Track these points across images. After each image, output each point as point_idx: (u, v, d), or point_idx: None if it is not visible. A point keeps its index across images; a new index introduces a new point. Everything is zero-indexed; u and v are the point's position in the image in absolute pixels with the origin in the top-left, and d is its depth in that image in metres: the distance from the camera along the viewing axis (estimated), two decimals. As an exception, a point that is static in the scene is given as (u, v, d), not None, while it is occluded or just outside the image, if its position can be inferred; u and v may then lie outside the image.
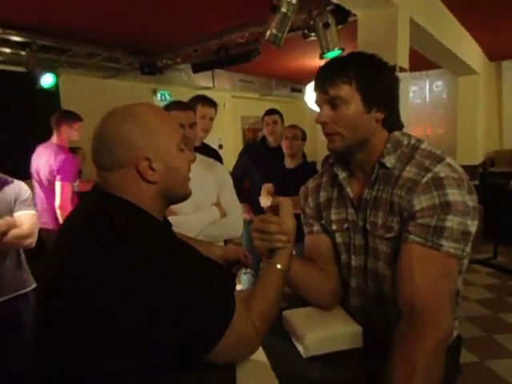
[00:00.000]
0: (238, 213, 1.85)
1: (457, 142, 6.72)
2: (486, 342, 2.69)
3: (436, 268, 0.83)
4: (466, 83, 6.42)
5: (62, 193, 2.68)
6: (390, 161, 0.93)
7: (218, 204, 1.81)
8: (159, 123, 0.80)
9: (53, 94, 4.85)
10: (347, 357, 0.92)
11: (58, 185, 2.72)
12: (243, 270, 2.65)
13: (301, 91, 7.80)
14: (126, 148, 0.75)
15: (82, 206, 0.86)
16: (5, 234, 1.69)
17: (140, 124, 0.77)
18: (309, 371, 0.88)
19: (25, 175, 1.92)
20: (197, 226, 1.71)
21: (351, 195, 1.00)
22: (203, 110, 2.16)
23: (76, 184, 4.45)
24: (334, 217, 1.04)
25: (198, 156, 1.88)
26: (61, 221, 2.64)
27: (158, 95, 6.54)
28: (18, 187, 1.82)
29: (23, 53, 4.21)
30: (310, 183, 1.15)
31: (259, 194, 2.54)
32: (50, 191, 2.92)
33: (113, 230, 0.71)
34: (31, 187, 1.89)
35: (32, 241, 1.80)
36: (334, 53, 3.43)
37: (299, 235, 0.97)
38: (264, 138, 2.95)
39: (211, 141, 2.26)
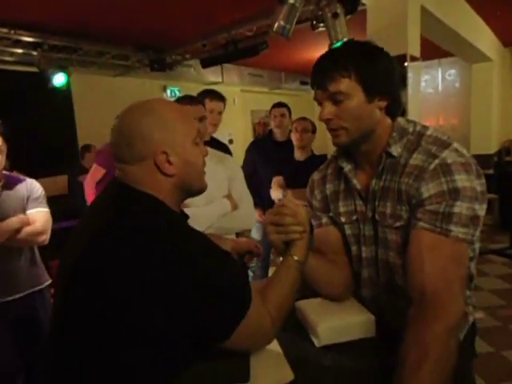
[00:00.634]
0: (249, 205, 1.86)
1: (470, 131, 6.60)
2: (502, 332, 2.66)
3: (445, 254, 0.81)
4: (479, 71, 6.29)
5: None
6: (396, 150, 0.91)
7: (229, 196, 1.82)
8: (176, 119, 0.83)
9: (65, 92, 4.92)
10: (360, 346, 0.92)
11: None
12: (254, 261, 2.67)
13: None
14: (145, 142, 0.78)
15: (102, 198, 0.88)
16: (18, 231, 1.71)
17: (158, 119, 0.80)
18: (322, 360, 0.88)
19: (38, 174, 1.93)
20: (208, 218, 1.73)
21: (358, 186, 0.99)
22: (211, 105, 2.16)
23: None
24: (342, 209, 1.03)
25: (209, 149, 1.89)
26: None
27: (168, 91, 6.58)
28: (31, 185, 1.84)
29: (35, 53, 4.27)
30: (315, 175, 1.13)
31: (268, 188, 2.54)
32: None
33: (131, 222, 0.73)
34: (44, 185, 1.91)
35: (45, 238, 1.82)
36: (344, 43, 3.39)
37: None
38: (271, 131, 2.94)
39: (221, 136, 2.26)
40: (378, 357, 0.88)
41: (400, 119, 0.96)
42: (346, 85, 0.87)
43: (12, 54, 4.27)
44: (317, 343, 0.93)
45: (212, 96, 2.21)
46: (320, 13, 3.46)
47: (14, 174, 1.91)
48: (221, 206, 1.77)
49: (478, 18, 5.12)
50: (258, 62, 6.04)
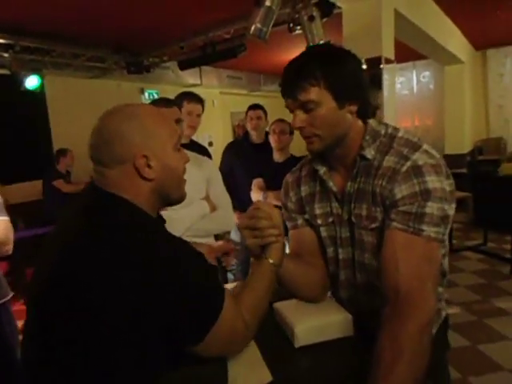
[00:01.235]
0: (227, 207, 1.85)
1: (445, 131, 6.79)
2: (478, 326, 2.74)
3: (418, 253, 0.84)
4: (452, 72, 6.49)
5: None
6: (370, 152, 0.93)
7: (207, 198, 1.82)
8: (157, 123, 0.83)
9: (38, 95, 4.79)
10: (339, 345, 0.93)
11: None
12: (234, 262, 2.65)
13: (289, 86, 7.80)
14: (125, 145, 0.78)
15: (77, 203, 0.86)
16: None
17: (139, 123, 0.80)
18: (300, 361, 0.89)
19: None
20: (187, 220, 1.71)
21: (334, 189, 0.99)
22: (189, 107, 2.15)
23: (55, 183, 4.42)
24: (318, 211, 1.04)
25: (186, 152, 1.87)
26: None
27: (146, 94, 6.50)
28: None
29: (6, 55, 4.14)
30: (289, 177, 1.14)
31: (245, 190, 2.54)
32: None
33: (108, 226, 0.73)
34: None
35: (8, 248, 1.70)
36: (320, 46, 3.44)
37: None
38: (247, 133, 2.93)
39: (201, 138, 2.26)
40: (357, 356, 0.89)
41: (371, 121, 0.97)
42: (315, 93, 0.87)
43: (-18, 56, 4.14)
44: (295, 344, 0.93)
45: (190, 98, 2.19)
46: (297, 16, 3.51)
47: None
48: (199, 208, 1.76)
49: (450, 22, 5.28)
50: (237, 64, 6.04)
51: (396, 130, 0.96)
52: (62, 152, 4.64)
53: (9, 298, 1.81)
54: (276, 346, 0.94)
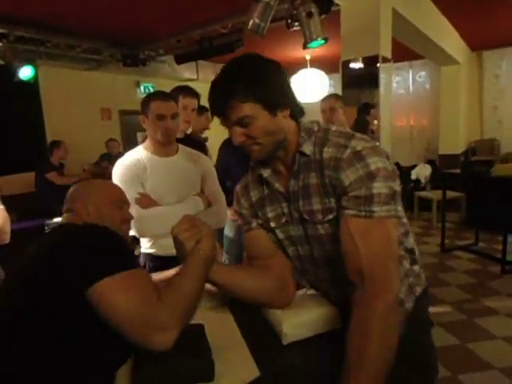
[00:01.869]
0: (222, 203, 1.85)
1: (439, 132, 6.82)
2: (468, 325, 2.76)
3: (375, 235, 0.86)
4: (448, 73, 6.51)
5: None
6: (308, 148, 0.96)
7: (201, 194, 1.81)
8: (106, 195, 1.16)
9: (32, 86, 4.74)
10: (327, 339, 0.94)
11: None
12: (224, 255, 2.64)
13: (286, 82, 7.78)
14: (82, 201, 1.12)
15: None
16: None
17: (91, 189, 1.16)
18: (289, 356, 0.89)
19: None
20: (180, 215, 1.70)
21: (281, 189, 1.02)
22: (185, 101, 2.13)
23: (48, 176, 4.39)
24: (270, 214, 1.05)
25: (181, 147, 1.87)
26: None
27: (142, 88, 6.45)
28: None
29: (0, 44, 4.08)
30: (238, 186, 1.17)
31: None
32: None
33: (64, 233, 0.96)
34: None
35: (5, 236, 1.74)
36: (318, 42, 3.43)
37: None
38: None
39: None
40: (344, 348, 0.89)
41: (304, 121, 1.01)
42: (247, 108, 0.89)
43: (-26, 45, 4.08)
44: (283, 341, 0.93)
45: (185, 92, 2.17)
46: (295, 12, 3.49)
47: None
48: (193, 204, 1.75)
49: (447, 22, 5.29)
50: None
51: (328, 124, 1.01)
52: (56, 144, 4.59)
53: None
54: (264, 342, 0.95)
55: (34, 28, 4.19)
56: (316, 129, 0.99)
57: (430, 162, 6.74)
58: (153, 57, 5.47)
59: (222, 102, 0.90)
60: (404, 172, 5.74)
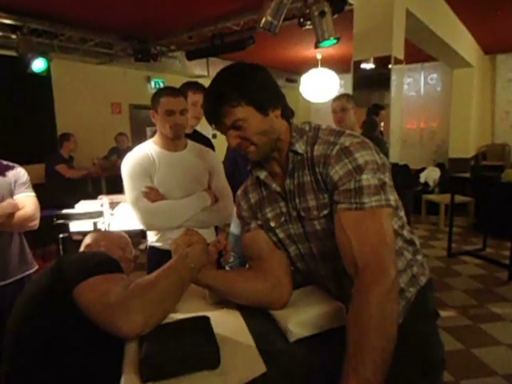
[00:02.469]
0: (229, 199, 1.85)
1: (449, 135, 6.76)
2: (472, 330, 2.74)
3: (367, 226, 0.87)
4: (460, 76, 6.44)
5: None
6: (300, 147, 0.99)
7: (208, 190, 1.82)
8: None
9: (44, 79, 4.78)
10: (333, 335, 0.93)
11: None
12: (233, 255, 2.66)
13: (296, 81, 7.77)
14: (95, 241, 1.35)
15: None
16: (11, 216, 1.72)
17: (103, 235, 1.41)
18: (296, 353, 0.89)
19: (14, 161, 1.92)
20: (187, 210, 1.72)
21: (278, 189, 1.04)
22: (194, 97, 2.14)
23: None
24: (269, 214, 1.07)
25: (190, 143, 1.87)
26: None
27: (152, 83, 6.48)
28: (17, 170, 1.86)
29: (14, 36, 4.13)
30: (239, 190, 1.20)
31: None
32: None
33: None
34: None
35: (36, 223, 1.84)
36: (330, 42, 3.41)
37: None
38: None
39: (205, 130, 2.24)
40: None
41: (295, 121, 1.04)
42: (239, 112, 0.92)
43: (-11, 36, 4.13)
44: (289, 339, 0.93)
45: (195, 88, 2.18)
46: (307, 11, 3.48)
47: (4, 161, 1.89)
48: (201, 199, 1.76)
49: (461, 25, 5.23)
50: (244, 57, 5.99)
51: (318, 124, 1.04)
52: (66, 137, 4.63)
53: (34, 269, 1.91)
54: (271, 338, 0.94)
55: (47, 21, 4.23)
56: (307, 128, 1.02)
57: (439, 165, 6.68)
58: (164, 52, 5.49)
59: (214, 109, 0.94)
60: (413, 175, 5.69)
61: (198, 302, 1.11)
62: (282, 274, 1.06)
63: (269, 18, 2.96)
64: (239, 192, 1.19)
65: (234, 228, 2.87)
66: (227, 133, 0.96)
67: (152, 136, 1.88)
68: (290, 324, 0.93)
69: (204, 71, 6.46)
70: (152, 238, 1.83)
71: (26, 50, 4.19)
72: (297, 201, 1.00)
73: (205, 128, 2.56)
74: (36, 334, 0.90)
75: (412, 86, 7.48)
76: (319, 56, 5.99)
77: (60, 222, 2.41)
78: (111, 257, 1.06)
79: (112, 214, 2.70)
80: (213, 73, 6.62)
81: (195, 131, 2.29)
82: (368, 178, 0.88)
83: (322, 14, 3.25)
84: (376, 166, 0.90)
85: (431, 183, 6.27)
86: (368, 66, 3.64)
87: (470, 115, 6.50)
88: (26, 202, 1.81)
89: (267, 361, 0.83)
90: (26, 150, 4.57)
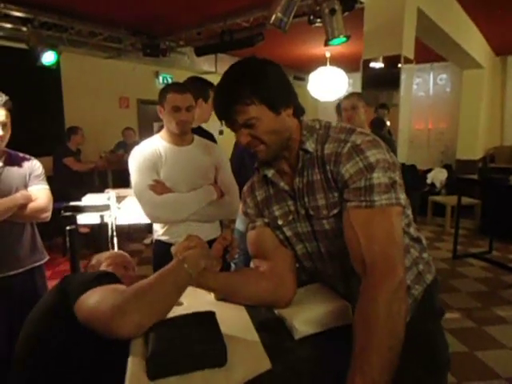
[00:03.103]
0: (235, 193, 1.85)
1: (458, 136, 6.71)
2: (477, 333, 2.72)
3: (376, 223, 0.86)
4: (470, 77, 6.38)
5: None
6: (310, 145, 0.97)
7: (214, 184, 1.82)
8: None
9: (54, 72, 4.80)
10: (339, 333, 0.93)
11: None
12: (235, 257, 2.66)
13: (304, 79, 7.74)
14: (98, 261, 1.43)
15: None
16: (23, 207, 1.75)
17: (107, 254, 1.47)
18: (301, 350, 0.89)
19: (22, 152, 1.93)
20: (193, 203, 1.72)
21: (286, 188, 1.03)
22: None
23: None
24: (277, 212, 1.06)
25: (197, 138, 1.88)
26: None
27: (160, 78, 6.49)
28: (32, 162, 1.88)
29: (24, 29, 4.15)
30: (245, 187, 1.18)
31: None
32: None
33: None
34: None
35: (48, 214, 1.86)
36: (340, 40, 3.39)
37: None
38: None
39: (212, 126, 2.25)
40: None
41: (305, 119, 1.02)
42: (252, 110, 0.90)
43: (0, 29, 4.15)
44: (295, 336, 0.93)
45: (212, 86, 2.21)
46: (318, 8, 3.46)
47: (20, 153, 1.91)
48: (207, 193, 1.76)
49: (473, 25, 5.18)
50: (253, 53, 5.98)
51: (329, 122, 1.02)
52: (74, 130, 4.66)
53: (44, 261, 1.93)
54: (276, 336, 0.94)
55: (57, 14, 4.25)
56: (318, 126, 1.00)
57: (446, 166, 6.64)
58: (173, 48, 5.50)
59: (227, 106, 0.92)
60: (420, 175, 5.66)
61: (203, 296, 1.11)
62: (286, 273, 1.06)
63: (279, 15, 2.95)
64: (245, 189, 1.18)
65: (240, 224, 2.87)
66: (238, 131, 0.95)
67: (158, 131, 1.89)
68: (295, 321, 0.93)
69: (212, 67, 6.46)
70: (158, 231, 1.84)
71: (36, 43, 4.22)
72: (306, 199, 0.99)
73: (212, 124, 2.57)
74: (44, 350, 0.93)
75: (421, 86, 7.43)
76: (328, 54, 5.96)
77: (67, 214, 2.43)
78: (108, 271, 1.10)
79: (119, 208, 2.71)
80: (221, 69, 6.61)
81: (199, 127, 2.30)
82: (379, 177, 0.88)
83: (333, 11, 3.24)
84: (387, 164, 0.90)
85: (438, 184, 6.24)
86: (377, 64, 3.62)
87: (479, 117, 6.44)
88: (40, 194, 1.83)
89: (272, 357, 0.83)
90: (34, 143, 4.60)
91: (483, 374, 2.27)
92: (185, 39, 5.30)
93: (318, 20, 3.60)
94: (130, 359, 0.81)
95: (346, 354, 0.76)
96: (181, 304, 1.00)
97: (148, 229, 4.73)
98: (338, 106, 3.16)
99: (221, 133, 7.25)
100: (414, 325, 0.87)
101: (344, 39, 3.39)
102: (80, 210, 2.65)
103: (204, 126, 2.36)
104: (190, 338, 0.80)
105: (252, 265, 1.15)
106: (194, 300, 1.06)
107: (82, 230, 4.03)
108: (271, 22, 3.01)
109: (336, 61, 6.06)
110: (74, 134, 4.63)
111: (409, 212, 1.01)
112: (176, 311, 0.92)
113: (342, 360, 0.76)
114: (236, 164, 2.57)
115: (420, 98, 7.37)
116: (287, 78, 0.97)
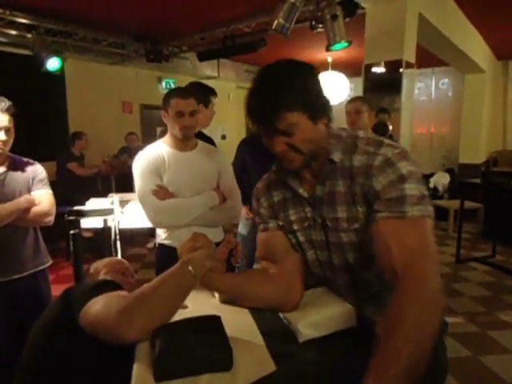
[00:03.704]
0: (237, 199, 1.87)
1: (460, 140, 6.70)
2: (480, 337, 2.71)
3: (409, 233, 0.85)
4: (472, 81, 6.39)
5: None
6: (336, 156, 0.95)
7: (217, 189, 1.83)
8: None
9: (58, 78, 4.84)
10: (343, 336, 0.93)
11: None
12: (239, 261, 2.66)
13: (306, 84, 7.76)
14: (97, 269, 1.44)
15: None
16: (27, 211, 1.76)
17: (105, 262, 1.47)
18: (305, 353, 0.89)
19: (26, 157, 1.95)
20: (196, 208, 1.73)
21: (305, 195, 1.01)
22: (214, 100, 2.25)
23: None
24: (293, 217, 1.05)
25: (200, 143, 1.90)
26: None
27: (163, 83, 6.54)
28: (36, 167, 1.90)
29: (29, 35, 4.20)
30: (259, 184, 1.15)
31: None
32: None
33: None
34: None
35: (51, 219, 1.88)
36: (341, 45, 3.41)
37: None
38: None
39: (214, 130, 2.31)
40: (360, 346, 0.89)
41: (332, 126, 0.99)
42: (293, 118, 0.87)
43: (5, 35, 4.19)
44: (299, 339, 0.94)
45: (214, 93, 2.28)
46: (319, 14, 3.48)
47: (24, 158, 1.93)
48: (209, 198, 1.78)
49: (474, 30, 5.19)
50: (255, 59, 6.03)
51: (354, 131, 1.01)
52: (78, 135, 4.69)
53: (48, 265, 1.95)
54: (281, 339, 0.95)
55: (62, 21, 4.30)
56: (344, 135, 0.98)
57: (448, 170, 6.63)
58: (176, 53, 5.53)
59: (269, 111, 0.87)
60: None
61: (208, 299, 1.12)
62: (295, 278, 1.04)
63: (281, 21, 2.98)
64: (260, 186, 1.14)
65: (242, 228, 2.88)
66: (274, 138, 0.90)
67: (161, 135, 1.91)
68: (299, 325, 0.93)
69: (214, 72, 6.50)
70: (161, 235, 1.85)
71: (41, 50, 4.26)
72: (324, 209, 0.98)
73: (214, 129, 2.58)
74: (48, 359, 0.95)
75: (423, 90, 7.44)
76: (330, 59, 5.99)
77: (71, 218, 2.44)
78: (107, 279, 1.12)
79: (122, 212, 2.72)
80: (223, 74, 6.66)
81: (199, 132, 2.32)
82: (411, 188, 0.87)
83: (334, 17, 3.26)
84: (418, 176, 0.90)
85: (440, 188, 6.23)
86: (379, 69, 3.64)
87: (481, 121, 6.44)
88: (43, 198, 1.85)
89: (277, 360, 0.83)
90: (39, 148, 4.63)
91: (487, 379, 2.25)
92: (188, 44, 5.34)
93: (320, 25, 3.63)
94: (135, 363, 0.82)
95: (350, 357, 0.76)
96: (186, 307, 1.01)
97: (151, 233, 4.74)
98: None
99: (223, 137, 7.29)
100: None
101: (346, 44, 3.42)
102: (83, 214, 2.66)
103: (206, 130, 2.38)
104: (197, 342, 0.81)
105: (255, 266, 1.14)
106: (199, 303, 1.06)
107: (86, 235, 4.04)
108: (273, 27, 3.04)
109: (338, 65, 6.09)
110: (79, 139, 4.66)
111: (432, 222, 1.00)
112: (181, 314, 0.92)
113: (347, 363, 0.76)
114: (238, 169, 2.59)
115: (422, 102, 7.37)
116: (321, 85, 0.94)
